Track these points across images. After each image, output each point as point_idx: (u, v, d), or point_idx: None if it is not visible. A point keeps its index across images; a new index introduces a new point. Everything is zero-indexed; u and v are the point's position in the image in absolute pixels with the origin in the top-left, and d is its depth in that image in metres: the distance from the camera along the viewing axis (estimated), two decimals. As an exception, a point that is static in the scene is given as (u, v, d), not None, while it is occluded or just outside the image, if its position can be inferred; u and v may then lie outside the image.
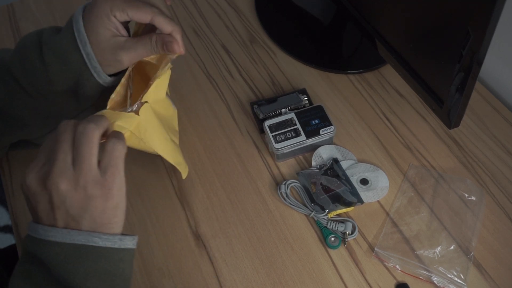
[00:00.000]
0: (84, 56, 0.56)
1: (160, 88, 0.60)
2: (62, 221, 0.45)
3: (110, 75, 0.59)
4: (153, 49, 0.57)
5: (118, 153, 0.47)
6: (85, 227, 0.45)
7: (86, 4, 0.58)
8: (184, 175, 0.66)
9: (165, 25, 0.56)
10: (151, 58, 0.59)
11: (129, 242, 0.48)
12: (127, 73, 0.59)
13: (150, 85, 0.57)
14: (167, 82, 0.61)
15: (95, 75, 0.57)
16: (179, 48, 0.57)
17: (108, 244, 0.46)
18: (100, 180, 0.45)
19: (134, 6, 0.56)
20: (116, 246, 0.47)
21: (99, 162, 0.46)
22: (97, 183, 0.45)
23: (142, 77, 0.63)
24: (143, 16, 0.56)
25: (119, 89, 0.59)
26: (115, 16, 0.55)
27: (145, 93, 0.57)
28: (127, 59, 0.57)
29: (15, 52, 0.59)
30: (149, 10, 0.56)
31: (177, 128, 0.69)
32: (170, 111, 0.67)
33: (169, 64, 0.58)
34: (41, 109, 0.60)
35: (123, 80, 0.59)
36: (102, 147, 0.47)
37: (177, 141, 0.67)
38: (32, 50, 0.57)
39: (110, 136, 0.48)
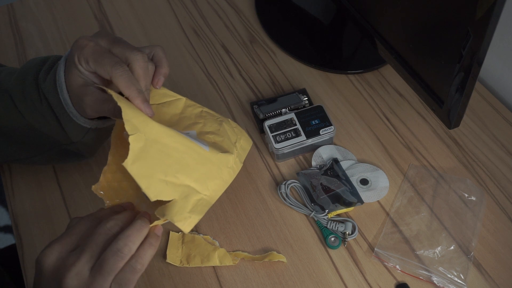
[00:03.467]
0: (62, 100, 0.55)
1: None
2: None
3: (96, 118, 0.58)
4: (112, 115, 0.53)
5: (132, 281, 0.46)
6: None
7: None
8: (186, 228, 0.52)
9: (122, 88, 0.50)
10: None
11: None
12: (112, 141, 0.56)
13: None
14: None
15: (74, 118, 0.56)
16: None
17: None
18: None
19: (97, 59, 0.51)
20: None
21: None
22: None
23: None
24: (102, 71, 0.51)
25: (109, 159, 0.56)
26: (82, 65, 0.52)
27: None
28: (90, 113, 0.55)
29: (18, 76, 0.59)
30: (110, 67, 0.50)
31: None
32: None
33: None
34: (35, 132, 0.60)
35: (110, 156, 0.56)
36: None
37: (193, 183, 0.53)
38: (31, 81, 0.57)
39: (134, 258, 0.47)
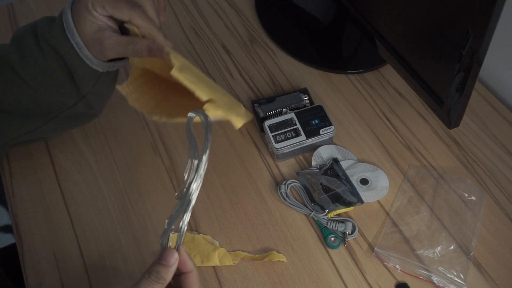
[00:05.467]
0: (74, 45, 0.57)
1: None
2: None
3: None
4: (136, 54, 0.56)
5: None
6: None
7: None
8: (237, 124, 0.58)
9: (144, 28, 0.55)
10: None
11: None
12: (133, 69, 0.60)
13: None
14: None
15: (88, 62, 0.58)
16: (161, 52, 0.55)
17: None
18: None
19: (114, 3, 0.55)
20: None
21: None
22: None
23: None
24: (121, 15, 0.55)
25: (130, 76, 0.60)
26: (96, 11, 0.55)
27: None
28: (111, 55, 0.57)
29: (12, 44, 0.59)
30: (128, 10, 0.55)
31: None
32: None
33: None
34: (42, 100, 0.60)
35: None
36: None
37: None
38: (29, 41, 0.58)
39: None
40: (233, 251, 0.65)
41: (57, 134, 0.73)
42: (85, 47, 0.57)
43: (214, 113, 0.54)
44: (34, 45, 0.58)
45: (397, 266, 0.63)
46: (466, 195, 0.69)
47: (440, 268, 0.63)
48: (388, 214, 0.68)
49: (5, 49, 0.60)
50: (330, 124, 0.72)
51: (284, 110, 0.75)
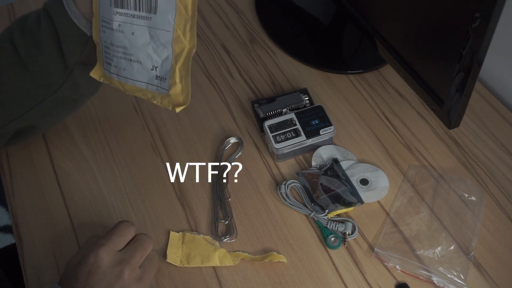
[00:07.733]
0: (63, 2, 0.58)
1: None
2: None
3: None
4: None
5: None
6: None
7: None
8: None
9: None
10: None
11: None
12: None
13: None
14: None
15: (75, 21, 0.59)
16: None
17: None
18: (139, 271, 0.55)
19: None
20: None
21: None
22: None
23: None
24: None
25: None
26: None
27: None
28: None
29: (19, 19, 0.62)
30: None
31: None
32: None
33: None
34: (31, 80, 0.61)
35: None
36: None
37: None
38: (32, 16, 0.61)
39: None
40: (233, 251, 0.65)
41: (46, 122, 0.71)
42: (74, 2, 0.58)
43: None
44: (34, 15, 0.61)
45: (397, 266, 0.63)
46: (466, 195, 0.69)
47: (440, 269, 0.63)
48: (388, 214, 0.68)
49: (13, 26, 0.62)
50: (330, 124, 0.72)
51: (284, 110, 0.75)
